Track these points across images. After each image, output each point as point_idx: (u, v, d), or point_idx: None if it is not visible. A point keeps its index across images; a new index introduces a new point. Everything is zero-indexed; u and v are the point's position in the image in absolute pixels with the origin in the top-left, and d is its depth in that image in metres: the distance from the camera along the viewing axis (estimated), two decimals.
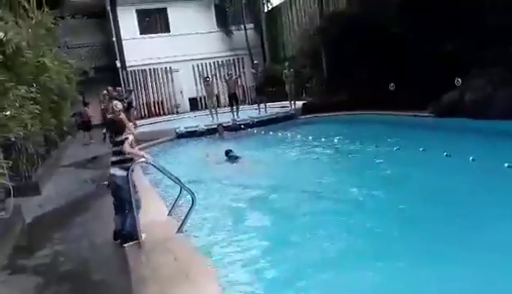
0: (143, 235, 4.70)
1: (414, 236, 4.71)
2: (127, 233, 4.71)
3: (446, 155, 7.53)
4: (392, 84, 13.62)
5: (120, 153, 4.77)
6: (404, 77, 12.61)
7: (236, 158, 9.49)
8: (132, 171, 4.72)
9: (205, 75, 21.24)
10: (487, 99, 9.91)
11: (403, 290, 3.71)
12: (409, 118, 12.04)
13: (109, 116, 9.80)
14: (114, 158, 4.85)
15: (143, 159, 5.04)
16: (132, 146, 4.87)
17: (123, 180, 4.66)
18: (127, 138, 4.81)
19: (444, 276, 3.74)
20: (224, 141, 12.93)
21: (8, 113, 6.47)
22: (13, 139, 6.76)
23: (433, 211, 5.31)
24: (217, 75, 24.32)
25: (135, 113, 19.09)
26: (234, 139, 13.49)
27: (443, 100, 11.08)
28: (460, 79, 11.25)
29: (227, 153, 9.65)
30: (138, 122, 18.00)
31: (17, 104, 6.98)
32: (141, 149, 6.40)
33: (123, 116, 7.26)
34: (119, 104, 7.65)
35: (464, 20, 11.00)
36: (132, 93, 18.73)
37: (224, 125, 14.58)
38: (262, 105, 17.33)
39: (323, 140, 11.29)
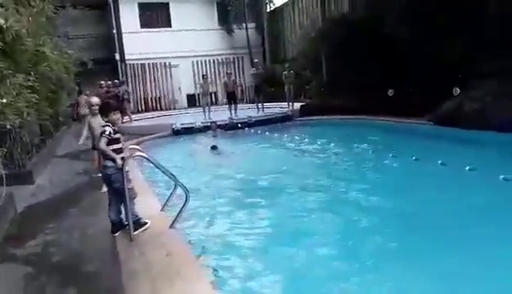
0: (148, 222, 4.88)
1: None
2: (134, 222, 4.67)
3: (441, 163, 7.60)
4: (390, 90, 13.67)
5: (108, 143, 4.66)
6: (403, 84, 12.69)
7: (219, 152, 10.87)
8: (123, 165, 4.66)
9: (204, 73, 21.36)
10: (485, 110, 9.95)
11: None
12: (406, 124, 12.08)
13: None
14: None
15: (138, 153, 5.05)
16: (118, 142, 4.77)
17: (114, 171, 4.64)
18: (104, 131, 4.64)
19: None
20: (217, 138, 12.96)
21: (4, 100, 6.43)
22: (8, 127, 6.73)
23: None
24: (217, 73, 24.39)
25: (131, 105, 18.98)
26: (227, 136, 13.53)
27: (441, 109, 11.12)
28: (458, 89, 11.31)
29: (213, 147, 11.10)
30: (134, 117, 17.98)
31: (14, 92, 6.94)
32: (138, 143, 6.36)
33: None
34: (95, 99, 7.25)
35: (465, 30, 11.08)
36: (125, 85, 18.51)
37: (222, 123, 14.59)
38: (260, 105, 17.36)
39: (314, 140, 11.53)
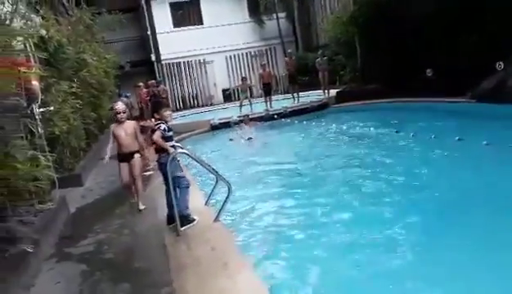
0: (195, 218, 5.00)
1: None
2: (183, 217, 4.85)
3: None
4: (429, 70, 13.23)
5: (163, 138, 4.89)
6: (441, 63, 12.24)
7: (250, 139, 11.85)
8: (174, 158, 4.84)
9: (238, 67, 21.47)
10: None
11: None
12: (446, 104, 11.68)
13: None
14: (155, 146, 5.00)
15: (180, 150, 5.19)
16: (170, 140, 4.99)
17: (164, 166, 4.84)
18: (159, 127, 4.87)
19: None
20: (252, 131, 13.07)
21: (52, 108, 6.77)
22: (57, 133, 7.08)
23: None
24: (250, 66, 24.43)
25: (170, 104, 19.32)
26: (262, 128, 13.59)
27: (483, 86, 10.70)
28: (502, 63, 10.83)
29: (248, 138, 11.90)
30: (173, 115, 18.30)
31: (60, 99, 7.30)
32: (178, 141, 6.51)
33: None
34: (120, 106, 6.09)
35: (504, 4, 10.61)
36: (162, 84, 18.95)
37: (258, 116, 14.68)
38: (295, 95, 17.27)
39: (352, 127, 11.48)
